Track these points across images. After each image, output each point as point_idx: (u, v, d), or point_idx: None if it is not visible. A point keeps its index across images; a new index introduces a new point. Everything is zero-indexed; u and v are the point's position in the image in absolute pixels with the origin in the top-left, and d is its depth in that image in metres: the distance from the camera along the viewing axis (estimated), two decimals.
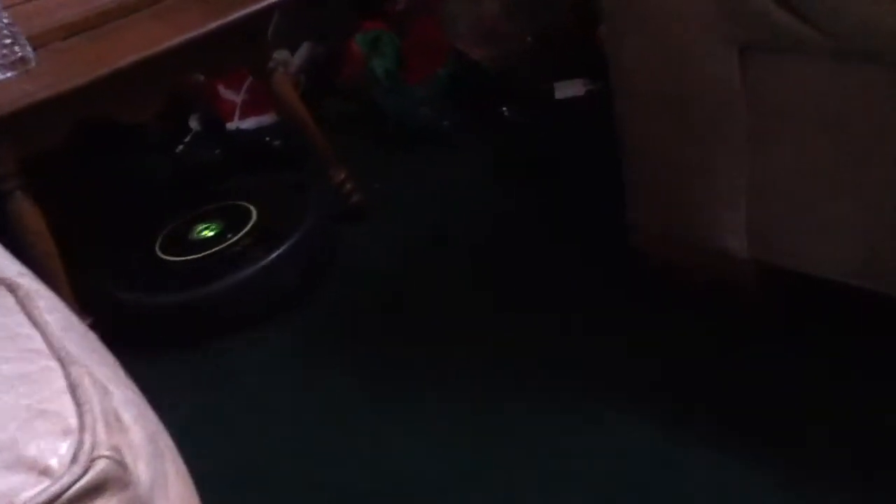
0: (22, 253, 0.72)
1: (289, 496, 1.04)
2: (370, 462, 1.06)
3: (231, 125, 1.84)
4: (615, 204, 1.22)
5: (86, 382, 0.43)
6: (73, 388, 0.42)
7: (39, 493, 0.36)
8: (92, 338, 0.59)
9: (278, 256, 1.35)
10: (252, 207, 1.46)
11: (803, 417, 0.97)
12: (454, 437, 1.06)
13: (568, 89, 1.77)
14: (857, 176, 0.95)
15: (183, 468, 0.50)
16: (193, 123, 1.86)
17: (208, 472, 0.55)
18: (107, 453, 0.38)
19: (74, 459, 0.37)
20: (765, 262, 1.09)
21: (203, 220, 1.47)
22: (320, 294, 1.40)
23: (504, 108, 1.76)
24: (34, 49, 1.22)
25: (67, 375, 0.43)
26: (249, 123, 1.85)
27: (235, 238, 1.40)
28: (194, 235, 1.44)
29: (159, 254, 1.43)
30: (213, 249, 1.39)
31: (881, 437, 0.92)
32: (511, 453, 1.02)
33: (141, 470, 0.41)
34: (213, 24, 1.26)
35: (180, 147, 1.79)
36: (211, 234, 1.43)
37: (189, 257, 1.39)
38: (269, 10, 1.33)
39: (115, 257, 1.47)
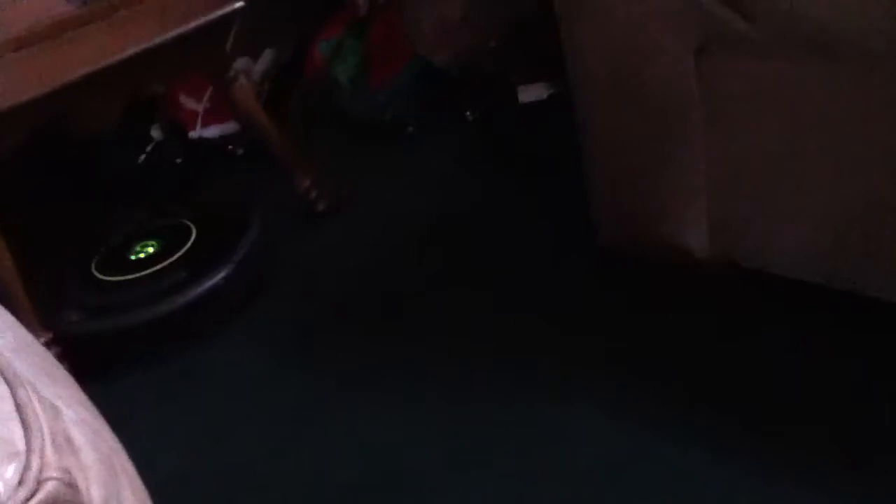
0: None
1: (272, 495, 1.04)
2: (351, 462, 1.06)
3: (193, 133, 1.82)
4: (581, 203, 1.23)
5: (34, 404, 0.42)
6: (21, 410, 0.41)
7: None
8: (47, 358, 0.58)
9: (209, 282, 1.33)
10: (192, 226, 1.45)
11: (780, 407, 0.97)
12: (437, 434, 1.06)
13: (531, 93, 1.78)
14: (812, 170, 0.96)
15: (140, 488, 0.49)
16: (155, 132, 1.84)
17: (180, 480, 0.54)
18: (55, 475, 0.38)
19: (21, 482, 0.37)
20: (726, 260, 1.10)
21: (143, 238, 1.45)
22: (284, 297, 1.40)
23: (467, 112, 1.76)
24: None
25: (15, 397, 0.42)
26: (212, 132, 1.83)
27: (172, 259, 1.38)
28: (132, 255, 1.42)
29: (95, 273, 1.40)
30: (149, 270, 1.37)
31: (866, 425, 0.93)
32: (499, 447, 1.02)
33: (93, 492, 0.40)
34: (169, 34, 1.25)
35: (142, 156, 1.77)
36: (149, 252, 1.41)
37: (124, 278, 1.37)
38: (227, 18, 1.32)
39: (54, 275, 1.44)
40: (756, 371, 1.03)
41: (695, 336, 1.10)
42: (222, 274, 1.35)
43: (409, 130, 1.77)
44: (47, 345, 1.15)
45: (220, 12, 1.30)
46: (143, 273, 1.37)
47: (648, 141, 1.09)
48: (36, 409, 0.41)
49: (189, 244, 1.41)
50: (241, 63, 1.90)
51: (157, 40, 1.24)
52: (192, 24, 1.27)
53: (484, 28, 1.88)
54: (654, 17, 0.99)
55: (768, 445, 0.93)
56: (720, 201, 1.06)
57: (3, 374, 0.45)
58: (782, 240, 1.04)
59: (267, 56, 1.99)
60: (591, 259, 1.26)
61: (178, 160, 1.76)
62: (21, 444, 0.39)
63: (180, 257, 1.39)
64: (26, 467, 0.37)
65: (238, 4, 1.32)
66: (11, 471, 0.37)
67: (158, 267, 1.38)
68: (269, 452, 1.11)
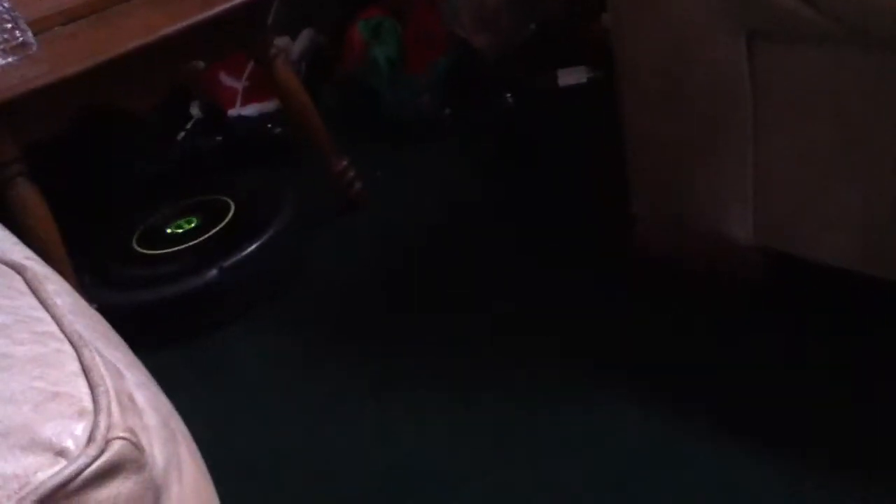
0: (24, 240, 0.72)
1: (288, 489, 1.04)
2: (369, 454, 1.06)
3: (232, 112, 1.83)
4: (617, 193, 1.22)
5: (99, 364, 0.42)
6: (87, 371, 0.42)
7: (56, 474, 0.36)
8: (101, 321, 0.59)
9: (248, 254, 1.35)
10: (231, 202, 1.46)
11: (806, 406, 0.97)
12: (455, 429, 1.06)
13: (571, 77, 1.77)
14: (863, 162, 0.94)
15: (196, 452, 0.50)
16: (194, 111, 1.85)
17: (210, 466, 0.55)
18: (122, 435, 0.38)
19: (90, 440, 0.37)
20: (770, 248, 1.09)
21: (183, 215, 1.47)
22: (312, 286, 1.40)
23: (507, 96, 1.75)
24: (34, 34, 1.21)
25: (80, 357, 0.43)
26: (251, 110, 1.84)
27: (209, 234, 1.39)
28: (172, 229, 1.43)
29: (136, 247, 1.42)
30: (187, 244, 1.38)
31: (884, 425, 0.92)
32: (512, 444, 1.02)
33: (156, 452, 0.41)
34: (214, 11, 1.25)
35: (181, 134, 1.78)
36: (188, 227, 1.43)
37: (164, 251, 1.39)
38: None
39: (93, 250, 1.46)
40: (788, 369, 1.02)
41: (717, 329, 1.09)
42: (254, 251, 1.35)
43: (446, 115, 1.76)
44: None
45: None
46: (181, 247, 1.38)
47: (696, 131, 1.07)
48: (101, 369, 0.42)
49: (227, 220, 1.42)
50: (280, 42, 1.90)
51: (202, 17, 1.25)
52: (236, 1, 1.27)
53: (524, 13, 1.87)
54: (705, 3, 0.97)
55: (796, 447, 0.92)
56: (767, 192, 1.05)
57: (67, 335, 0.46)
58: (828, 230, 1.02)
59: (305, 36, 1.99)
60: (624, 251, 1.24)
61: (218, 138, 1.77)
62: (89, 403, 0.39)
63: (217, 232, 1.40)
64: (95, 426, 0.38)
65: None
66: (80, 429, 0.38)
67: (196, 241, 1.39)
68: (279, 445, 1.11)
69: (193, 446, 0.49)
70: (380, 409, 1.12)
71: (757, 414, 0.97)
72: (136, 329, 1.30)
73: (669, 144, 1.11)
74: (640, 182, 1.19)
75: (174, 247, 1.38)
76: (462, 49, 1.82)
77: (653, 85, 1.08)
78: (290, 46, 1.98)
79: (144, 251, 1.41)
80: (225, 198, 1.47)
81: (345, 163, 1.53)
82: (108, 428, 0.38)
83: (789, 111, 0.98)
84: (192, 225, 1.43)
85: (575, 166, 1.52)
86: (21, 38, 1.18)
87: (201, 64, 1.68)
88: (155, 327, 1.34)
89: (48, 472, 0.36)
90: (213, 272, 1.31)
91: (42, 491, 0.35)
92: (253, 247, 1.35)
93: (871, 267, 0.99)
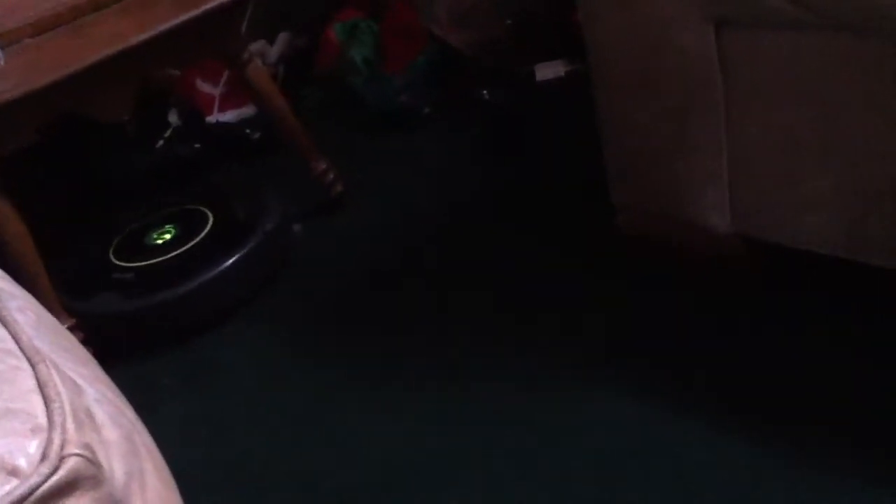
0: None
1: (275, 488, 1.04)
2: (362, 452, 1.06)
3: (210, 118, 1.82)
4: (598, 183, 1.22)
5: (55, 380, 0.42)
6: (43, 387, 0.41)
7: (7, 494, 0.35)
8: (68, 337, 0.58)
9: (228, 264, 1.34)
10: (209, 212, 1.44)
11: (798, 389, 0.97)
12: (444, 423, 1.06)
13: (548, 71, 1.76)
14: (837, 146, 0.94)
15: (162, 465, 0.50)
16: (173, 118, 1.84)
17: (191, 468, 0.55)
18: (77, 451, 0.38)
19: (44, 458, 0.37)
20: (748, 236, 1.09)
21: (161, 224, 1.45)
22: (296, 287, 1.40)
23: (484, 91, 1.75)
24: (3, 47, 1.20)
25: (36, 374, 0.42)
26: (229, 116, 1.83)
27: (190, 244, 1.38)
28: (150, 241, 1.42)
29: (113, 259, 1.41)
30: (168, 255, 1.37)
31: (877, 406, 0.92)
32: (504, 436, 1.02)
33: (115, 467, 0.41)
34: (184, 17, 1.25)
35: (160, 142, 1.77)
36: (166, 238, 1.41)
37: (143, 263, 1.37)
38: (242, 1, 1.32)
39: (71, 263, 1.44)
40: (782, 353, 1.02)
41: (704, 315, 1.09)
42: (237, 260, 1.35)
43: (426, 112, 1.76)
44: (71, 330, 1.16)
45: None
46: (160, 259, 1.37)
47: (669, 119, 1.07)
48: (57, 385, 0.41)
49: (206, 230, 1.41)
50: (257, 46, 1.90)
51: (173, 23, 1.24)
52: (208, 6, 1.26)
53: (500, 7, 1.86)
54: None
55: (793, 431, 0.92)
56: (742, 179, 1.05)
57: (23, 350, 0.45)
58: (805, 215, 1.02)
59: (282, 39, 1.98)
60: (609, 241, 1.24)
61: (196, 145, 1.76)
62: (43, 419, 0.39)
63: (197, 243, 1.39)
64: (48, 442, 0.37)
65: None
66: (34, 446, 0.37)
67: (175, 253, 1.38)
68: (272, 446, 1.10)
69: (159, 458, 0.49)
70: (372, 407, 1.12)
71: (751, 400, 0.97)
72: (115, 341, 1.30)
73: (643, 133, 1.11)
74: (617, 172, 1.19)
75: (152, 258, 1.37)
76: (440, 46, 1.82)
77: (624, 74, 1.08)
78: (268, 50, 1.97)
79: (122, 263, 1.39)
80: (203, 207, 1.46)
81: (325, 165, 1.52)
82: (63, 444, 0.38)
83: (760, 96, 0.98)
84: (170, 235, 1.42)
85: (554, 159, 1.52)
86: None
87: (176, 72, 1.68)
88: (135, 338, 1.33)
89: (0, 492, 0.35)
90: (193, 284, 1.30)
91: None
92: (231, 259, 1.34)
93: (852, 252, 0.99)
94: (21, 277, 0.61)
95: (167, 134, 1.78)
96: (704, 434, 0.94)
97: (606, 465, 0.94)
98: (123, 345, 1.30)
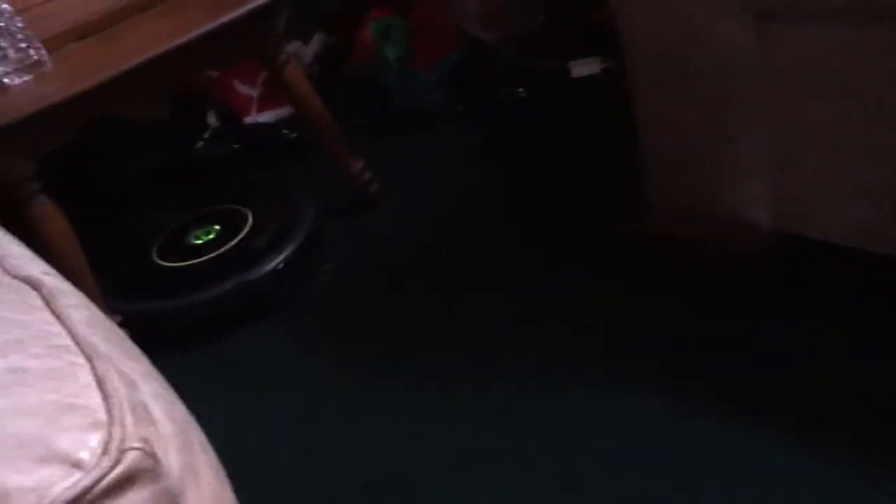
0: (45, 255, 0.72)
1: (298, 488, 1.05)
2: (377, 451, 1.06)
3: (248, 119, 1.85)
4: (631, 180, 1.21)
5: (113, 376, 0.43)
6: (101, 382, 0.42)
7: (72, 487, 0.36)
8: (119, 333, 0.59)
9: (273, 261, 1.35)
10: (248, 211, 1.46)
11: (819, 388, 0.95)
12: (459, 423, 1.06)
13: (584, 68, 1.76)
14: (884, 139, 0.93)
15: (214, 459, 0.50)
16: (211, 120, 1.86)
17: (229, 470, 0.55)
18: (137, 445, 0.39)
19: (105, 452, 0.38)
20: (788, 231, 1.07)
21: (202, 224, 1.47)
22: (330, 286, 1.41)
23: (520, 90, 1.74)
24: (48, 51, 1.23)
25: (94, 370, 0.43)
26: (266, 117, 1.85)
27: (232, 243, 1.40)
28: (191, 241, 1.44)
29: (156, 259, 1.43)
30: (211, 255, 1.39)
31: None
32: (519, 435, 1.02)
33: (171, 461, 0.41)
34: (223, 19, 1.26)
35: (199, 143, 1.80)
36: (207, 238, 1.43)
37: (185, 263, 1.39)
38: (278, 3, 1.33)
39: (114, 263, 1.46)
40: (802, 353, 1.01)
41: (727, 312, 1.08)
42: (277, 260, 1.36)
43: (455, 110, 1.76)
44: None
45: None
46: (201, 259, 1.39)
47: (708, 113, 1.06)
48: (114, 381, 0.42)
49: (246, 230, 1.43)
50: (292, 47, 1.91)
51: (211, 25, 1.25)
52: (245, 9, 1.28)
53: (531, 4, 1.86)
54: None
55: (829, 433, 0.91)
56: (784, 173, 1.03)
57: (80, 347, 0.46)
58: (851, 210, 1.00)
59: (317, 40, 2.00)
60: (642, 238, 1.23)
61: (235, 146, 1.78)
62: (102, 414, 0.40)
63: (237, 243, 1.40)
64: (109, 436, 0.38)
65: None
66: (95, 440, 0.38)
67: (216, 253, 1.39)
68: (300, 444, 1.11)
69: (211, 453, 0.50)
70: (395, 405, 1.12)
71: (777, 398, 0.96)
72: (157, 338, 1.32)
73: (681, 128, 1.10)
74: (653, 167, 1.18)
75: (194, 258, 1.39)
76: (471, 44, 1.82)
77: (662, 68, 1.07)
78: (303, 51, 1.99)
79: (166, 263, 1.42)
80: (242, 207, 1.48)
81: (361, 164, 1.53)
82: (123, 439, 0.38)
83: (803, 88, 0.96)
84: (212, 235, 1.44)
85: (589, 156, 1.51)
86: (35, 57, 1.20)
87: (214, 73, 1.70)
88: (176, 336, 1.35)
89: (64, 485, 0.36)
90: (233, 283, 1.32)
91: (59, 503, 0.36)
92: (272, 258, 1.36)
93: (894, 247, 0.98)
94: (66, 277, 0.62)
95: (206, 135, 1.80)
96: (725, 431, 0.94)
97: (628, 466, 0.94)
98: (160, 342, 1.33)
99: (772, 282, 1.10)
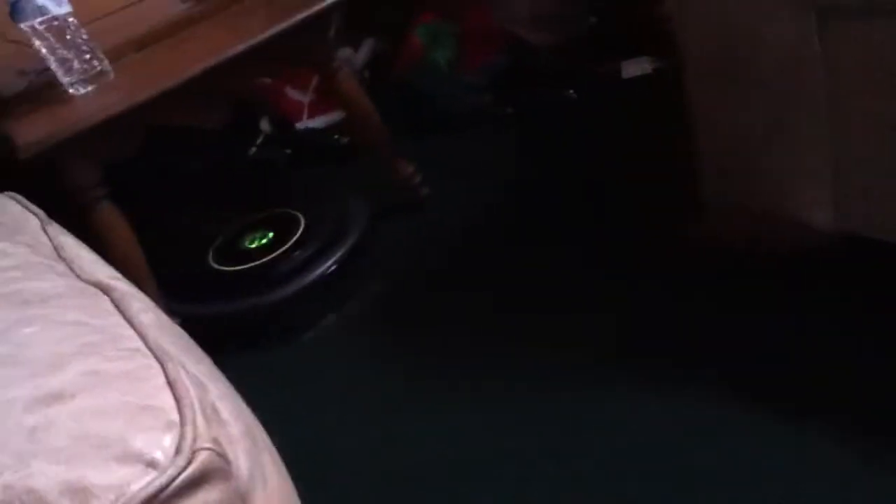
0: (108, 259, 0.75)
1: (355, 485, 1.07)
2: (434, 447, 1.07)
3: (300, 125, 1.87)
4: (686, 182, 1.20)
5: (183, 378, 0.44)
6: (172, 384, 0.43)
7: (148, 485, 0.37)
8: (184, 336, 0.61)
9: (327, 265, 1.37)
10: (300, 214, 1.49)
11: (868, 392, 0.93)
12: (502, 423, 1.07)
13: (635, 68, 1.74)
14: None
15: (278, 459, 0.52)
16: (264, 126, 1.90)
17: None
18: (208, 445, 0.40)
19: (178, 451, 0.39)
20: (851, 232, 1.05)
21: (255, 229, 1.50)
22: (376, 287, 1.43)
23: (571, 91, 1.74)
24: (110, 62, 1.27)
25: (166, 372, 0.45)
26: (318, 122, 1.88)
27: (286, 247, 1.42)
28: (245, 245, 1.47)
29: (212, 263, 1.46)
30: (264, 259, 1.41)
31: None
32: (561, 434, 1.02)
33: (241, 461, 0.42)
34: (277, 28, 1.28)
35: (253, 149, 1.83)
36: (261, 243, 1.46)
37: (240, 267, 1.42)
38: (330, 10, 1.35)
39: (173, 267, 1.49)
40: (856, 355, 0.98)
41: (785, 314, 1.06)
42: (329, 265, 1.38)
43: (509, 112, 1.76)
44: None
45: (324, 4, 1.32)
46: (256, 263, 1.42)
47: (766, 113, 1.04)
48: (185, 382, 0.44)
49: (298, 234, 1.45)
50: (344, 54, 1.94)
51: (266, 35, 1.28)
52: (298, 17, 1.30)
53: (583, 5, 1.85)
54: None
55: (856, 433, 0.89)
56: (848, 174, 1.01)
57: (152, 350, 0.47)
58: None
59: (367, 45, 2.02)
60: (698, 240, 1.22)
61: (287, 151, 1.81)
62: (175, 416, 0.41)
63: (290, 247, 1.43)
64: (182, 437, 0.39)
65: None
66: (169, 440, 0.39)
67: (271, 257, 1.42)
68: (357, 442, 1.13)
69: (275, 453, 0.51)
70: (444, 405, 1.13)
71: (833, 407, 0.94)
72: (216, 341, 1.35)
73: (739, 128, 1.08)
74: (709, 168, 1.16)
75: (249, 262, 1.42)
76: (519, 46, 1.82)
77: (719, 68, 1.06)
78: (354, 57, 2.01)
79: (222, 268, 1.45)
80: (295, 211, 1.50)
81: (411, 169, 1.54)
82: (195, 439, 0.40)
83: (866, 88, 0.94)
84: (266, 240, 1.46)
85: (640, 156, 1.50)
86: (99, 68, 1.24)
87: (268, 80, 1.73)
88: (234, 338, 1.37)
89: (141, 483, 0.37)
90: (289, 287, 1.34)
91: (136, 501, 0.37)
92: (323, 263, 1.38)
93: None
94: (129, 280, 0.64)
95: (259, 140, 1.84)
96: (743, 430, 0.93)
97: (673, 467, 0.93)
98: (214, 345, 1.36)
99: (826, 283, 1.08)
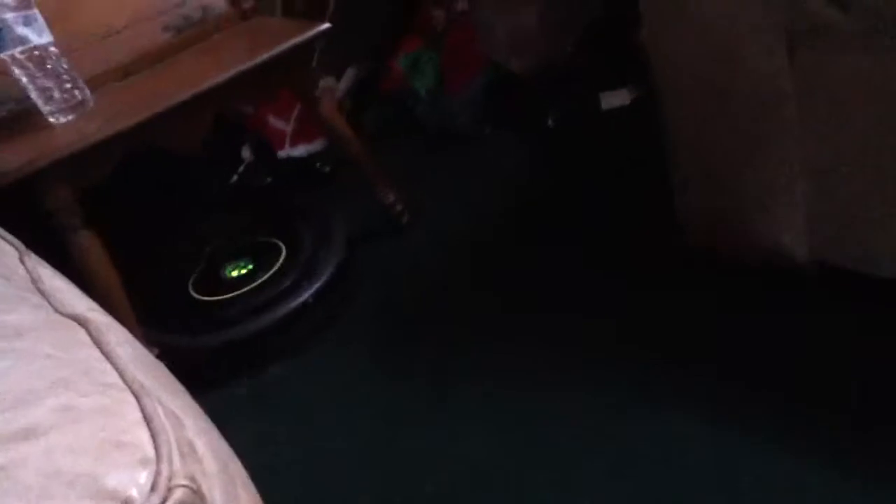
0: (83, 288, 0.74)
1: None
2: (417, 472, 1.07)
3: (282, 153, 1.88)
4: (661, 206, 1.21)
5: (160, 413, 0.43)
6: (148, 420, 0.43)
7: None
8: (162, 369, 0.60)
9: (308, 293, 1.37)
10: (281, 243, 1.49)
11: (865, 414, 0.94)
12: (505, 445, 1.06)
13: (614, 99, 1.76)
14: None
15: (255, 493, 0.51)
16: (246, 153, 1.90)
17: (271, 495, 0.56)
18: (184, 482, 0.39)
19: (153, 489, 0.38)
20: (825, 261, 1.06)
21: (236, 258, 1.50)
22: (367, 310, 1.42)
23: (549, 120, 1.75)
24: (92, 91, 1.27)
25: (142, 407, 0.44)
26: (300, 151, 1.88)
27: (266, 276, 1.42)
28: (226, 274, 1.46)
29: (192, 293, 1.45)
30: (244, 289, 1.41)
31: None
32: (568, 444, 1.02)
33: (216, 497, 0.42)
34: (259, 58, 1.29)
35: (234, 177, 1.83)
36: (242, 272, 1.46)
37: (220, 297, 1.41)
38: (312, 40, 1.36)
39: (151, 296, 1.48)
40: (857, 374, 0.99)
41: (787, 339, 1.07)
42: (312, 291, 1.38)
43: (486, 132, 1.78)
44: None
45: (307, 34, 1.33)
46: (237, 292, 1.41)
47: (740, 141, 1.06)
48: (162, 418, 0.43)
49: (280, 262, 1.45)
50: (326, 82, 1.95)
51: (248, 64, 1.28)
52: (281, 47, 1.31)
53: (560, 33, 1.87)
54: (743, 13, 0.96)
55: (871, 451, 0.90)
56: (817, 201, 1.02)
57: (128, 384, 0.47)
58: (884, 240, 0.99)
59: (350, 74, 2.03)
60: (675, 262, 1.24)
61: (269, 179, 1.81)
62: (151, 451, 0.40)
63: (271, 276, 1.42)
64: (157, 474, 0.39)
65: (324, 26, 1.35)
66: (144, 478, 0.39)
67: (252, 286, 1.41)
68: (356, 463, 1.12)
69: (251, 487, 0.50)
70: (435, 428, 1.13)
71: (826, 413, 0.95)
72: (196, 371, 1.34)
73: (714, 155, 1.10)
74: (685, 193, 1.18)
75: (230, 292, 1.41)
76: (497, 69, 1.84)
77: (694, 95, 1.07)
78: (336, 85, 2.02)
79: (202, 297, 1.44)
80: (276, 239, 1.50)
81: (393, 196, 1.55)
82: (170, 476, 0.39)
83: (837, 116, 0.96)
84: (245, 270, 1.46)
85: (621, 183, 1.51)
86: (79, 97, 1.24)
87: (250, 109, 1.73)
88: (215, 368, 1.36)
89: None
90: (268, 318, 1.34)
91: None
92: (308, 291, 1.38)
93: None
94: (106, 308, 0.64)
95: (241, 168, 1.84)
96: (762, 456, 0.93)
97: (694, 480, 0.93)
98: (195, 376, 1.34)
99: (824, 299, 1.09)
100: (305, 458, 1.16)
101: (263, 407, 1.29)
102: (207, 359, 1.36)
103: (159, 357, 1.26)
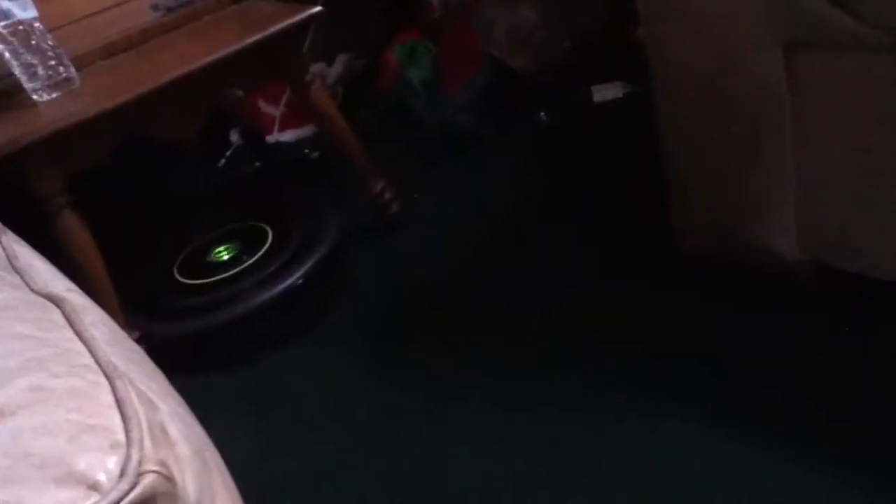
0: (68, 270, 0.73)
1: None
2: (423, 474, 1.05)
3: (271, 138, 1.86)
4: (655, 206, 1.20)
5: (132, 397, 0.42)
6: (121, 403, 0.42)
7: None
8: (138, 351, 0.59)
9: (294, 277, 1.35)
10: (268, 228, 1.47)
11: (863, 420, 0.94)
12: (512, 447, 1.05)
13: (606, 92, 1.76)
14: None
15: (230, 482, 0.50)
16: (234, 137, 1.88)
17: (255, 488, 0.55)
18: (154, 468, 0.38)
19: (122, 474, 0.37)
20: (816, 261, 1.06)
21: (222, 242, 1.48)
22: (356, 305, 1.41)
23: (542, 114, 1.74)
24: (77, 69, 1.25)
25: (114, 390, 0.43)
26: (288, 136, 1.87)
27: (251, 261, 1.40)
28: (212, 258, 1.45)
29: (177, 276, 1.44)
30: (228, 273, 1.39)
31: None
32: (566, 443, 1.02)
33: (188, 484, 0.41)
34: (250, 40, 1.28)
35: (222, 161, 1.81)
36: (228, 256, 1.44)
37: (205, 280, 1.40)
38: (304, 24, 1.34)
39: (135, 279, 1.47)
40: (857, 372, 0.99)
41: (785, 339, 1.06)
42: (297, 278, 1.36)
43: (484, 134, 1.77)
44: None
45: (298, 17, 1.31)
46: (222, 276, 1.40)
47: (736, 143, 1.06)
48: (134, 402, 0.42)
49: (266, 247, 1.43)
50: (316, 68, 1.93)
51: (238, 46, 1.27)
52: (272, 30, 1.29)
53: (558, 32, 1.86)
54: (743, 14, 0.96)
55: (870, 450, 0.89)
56: (810, 203, 1.02)
57: (101, 366, 0.46)
58: (876, 242, 0.99)
59: (340, 61, 2.02)
60: (670, 262, 1.23)
61: (257, 164, 1.79)
62: (121, 436, 0.39)
63: (257, 260, 1.41)
64: (127, 458, 0.38)
65: (316, 10, 1.34)
66: (113, 463, 0.38)
67: (237, 270, 1.40)
68: (344, 461, 1.11)
69: (227, 475, 0.49)
70: (431, 428, 1.12)
71: (829, 433, 0.94)
72: (180, 356, 1.33)
73: (708, 155, 1.09)
74: (678, 193, 1.17)
75: (215, 275, 1.40)
76: (498, 67, 1.83)
77: (691, 96, 1.07)
78: (327, 72, 2.00)
79: (186, 281, 1.42)
80: (263, 224, 1.49)
81: (382, 185, 1.54)
82: (140, 461, 0.38)
83: (832, 119, 0.96)
84: (231, 253, 1.44)
85: (614, 180, 1.51)
86: (64, 74, 1.22)
87: (241, 93, 1.72)
88: (200, 354, 1.35)
89: None
90: (255, 301, 1.32)
91: None
92: (293, 276, 1.36)
93: None
94: (88, 291, 0.63)
95: (229, 153, 1.82)
96: (773, 465, 0.92)
97: (698, 490, 0.92)
98: (178, 360, 1.33)
99: (821, 304, 1.09)
100: (299, 456, 1.15)
101: (246, 393, 1.28)
102: (190, 344, 1.35)
103: (139, 340, 1.26)
